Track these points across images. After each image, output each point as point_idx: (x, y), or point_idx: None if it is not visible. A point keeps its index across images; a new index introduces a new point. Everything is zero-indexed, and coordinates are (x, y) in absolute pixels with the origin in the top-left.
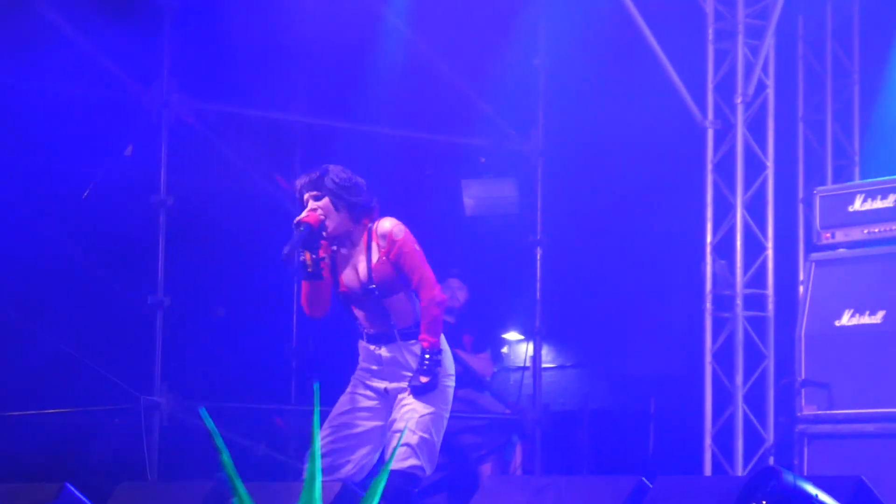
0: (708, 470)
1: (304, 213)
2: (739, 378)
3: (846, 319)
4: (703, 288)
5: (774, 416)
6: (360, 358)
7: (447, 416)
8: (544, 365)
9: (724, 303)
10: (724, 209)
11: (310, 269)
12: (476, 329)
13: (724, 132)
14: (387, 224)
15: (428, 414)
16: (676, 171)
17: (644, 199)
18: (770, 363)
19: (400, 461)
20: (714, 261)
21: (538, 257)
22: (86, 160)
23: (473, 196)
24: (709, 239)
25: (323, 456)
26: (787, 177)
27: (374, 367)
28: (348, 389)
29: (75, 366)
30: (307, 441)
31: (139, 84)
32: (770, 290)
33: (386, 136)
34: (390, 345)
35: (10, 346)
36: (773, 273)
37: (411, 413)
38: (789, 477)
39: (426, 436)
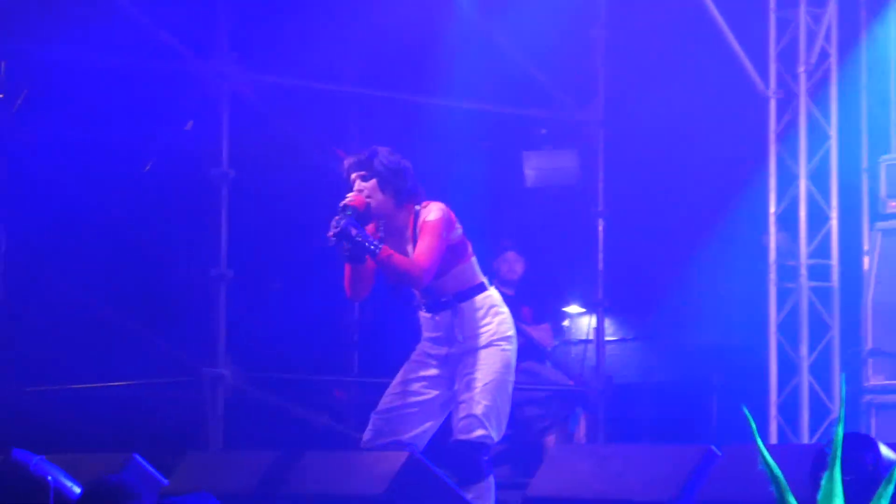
0: (774, 442)
1: (350, 196)
2: (804, 349)
3: None
4: (767, 258)
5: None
6: (422, 328)
7: (511, 380)
8: (606, 337)
9: (788, 273)
10: (787, 179)
11: (352, 253)
12: (535, 301)
13: (787, 102)
14: (431, 208)
15: (491, 381)
16: (739, 142)
17: (706, 169)
18: (835, 334)
19: (467, 432)
20: (778, 231)
21: (600, 229)
22: (146, 133)
23: (534, 167)
24: (772, 209)
25: (385, 421)
26: (851, 146)
27: (434, 335)
28: (411, 358)
29: (139, 339)
30: (367, 412)
31: (198, 57)
32: (835, 261)
33: (445, 108)
34: (447, 310)
35: (75, 320)
36: (837, 243)
37: (474, 383)
38: (885, 449)
39: (490, 403)
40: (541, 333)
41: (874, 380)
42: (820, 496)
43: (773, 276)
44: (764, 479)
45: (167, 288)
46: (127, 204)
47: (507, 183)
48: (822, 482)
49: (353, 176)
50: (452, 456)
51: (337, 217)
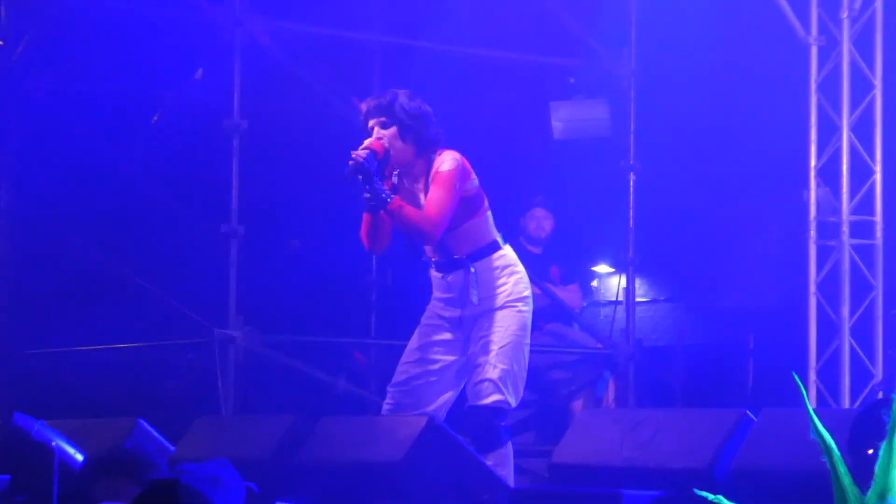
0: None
1: (368, 141)
2: (846, 310)
3: None
4: (807, 215)
5: (883, 350)
6: (433, 288)
7: (528, 342)
8: (637, 299)
9: (828, 231)
10: (828, 131)
11: (371, 201)
12: (564, 260)
13: (829, 49)
14: (445, 157)
15: (507, 344)
16: (778, 92)
17: (744, 121)
18: (879, 294)
19: (483, 397)
20: (818, 186)
21: (631, 183)
22: (156, 82)
23: (562, 119)
24: (812, 163)
25: (404, 394)
26: None
27: (447, 296)
28: (422, 322)
29: (146, 299)
30: (387, 375)
31: (211, 3)
32: (878, 217)
33: (468, 55)
34: (459, 270)
35: (79, 277)
36: (881, 198)
37: (489, 346)
38: None
39: (507, 367)
40: (569, 294)
41: None
42: (878, 467)
43: (812, 233)
44: (801, 444)
45: (176, 245)
46: (134, 156)
47: (534, 135)
48: (881, 452)
49: (372, 123)
50: (469, 422)
51: (355, 153)
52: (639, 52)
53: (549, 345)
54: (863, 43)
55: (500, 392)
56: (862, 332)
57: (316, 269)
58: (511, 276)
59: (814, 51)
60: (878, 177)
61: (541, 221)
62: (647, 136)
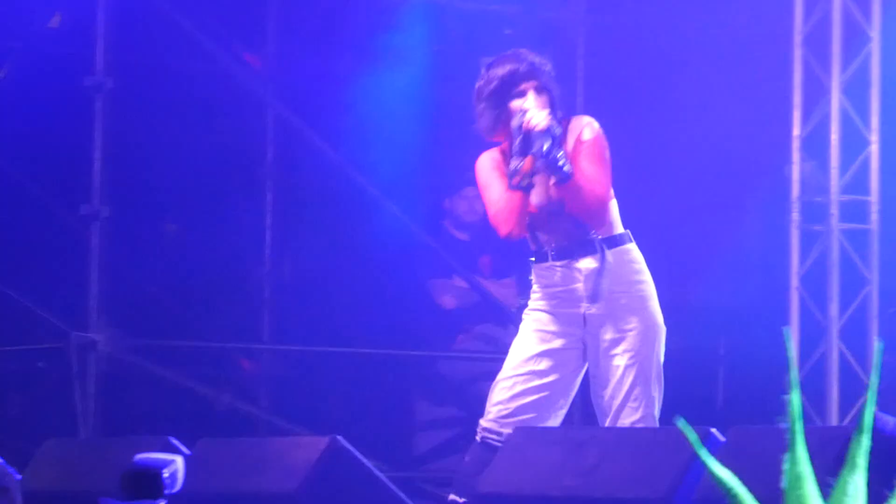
0: None
1: (536, 113)
2: (834, 308)
3: None
4: (789, 194)
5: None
6: (540, 286)
7: (661, 337)
8: None
9: (815, 213)
10: (816, 93)
11: (548, 170)
12: (497, 249)
13: None
14: (586, 122)
15: (642, 371)
16: (756, 47)
17: (714, 81)
18: (873, 288)
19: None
20: (803, 160)
21: None
22: (1, 32)
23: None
24: (796, 132)
25: (511, 412)
26: None
27: (567, 288)
28: (525, 328)
29: None
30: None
31: None
32: (874, 197)
33: (380, 2)
34: (591, 256)
35: None
36: (878, 175)
37: (622, 376)
38: (889, 422)
39: (646, 400)
40: (503, 290)
41: None
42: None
43: (795, 216)
44: (777, 468)
45: (24, 230)
46: None
47: (462, 96)
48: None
49: (526, 87)
50: None
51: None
52: None
53: (481, 350)
54: None
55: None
56: (853, 335)
57: (196, 259)
58: (647, 277)
59: None
60: (874, 148)
61: (472, 203)
62: (597, 98)
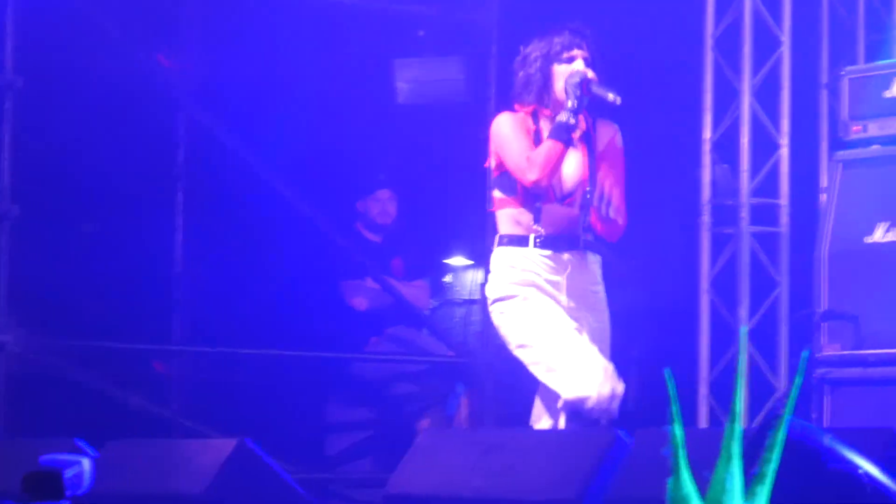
0: (703, 426)
1: (580, 67)
2: (744, 311)
3: (879, 235)
4: (699, 197)
5: (788, 359)
6: (524, 268)
7: None
8: None
9: (725, 215)
10: (727, 97)
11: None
12: (409, 251)
13: None
14: (618, 131)
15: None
16: (667, 49)
17: (625, 84)
18: (783, 291)
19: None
20: (714, 163)
21: None
22: None
23: (409, 79)
24: (707, 134)
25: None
26: (808, 55)
27: (556, 279)
28: (537, 301)
29: None
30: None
31: None
32: (784, 200)
33: (295, 2)
34: (574, 251)
35: None
36: (788, 178)
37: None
38: (798, 427)
39: None
40: (415, 292)
41: (829, 349)
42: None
43: (706, 218)
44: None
45: None
46: None
47: (375, 99)
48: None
49: (579, 54)
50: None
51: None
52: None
53: (392, 353)
54: None
55: None
56: (763, 338)
57: (107, 260)
58: None
59: (710, 0)
60: (784, 152)
61: (385, 205)
62: (510, 102)
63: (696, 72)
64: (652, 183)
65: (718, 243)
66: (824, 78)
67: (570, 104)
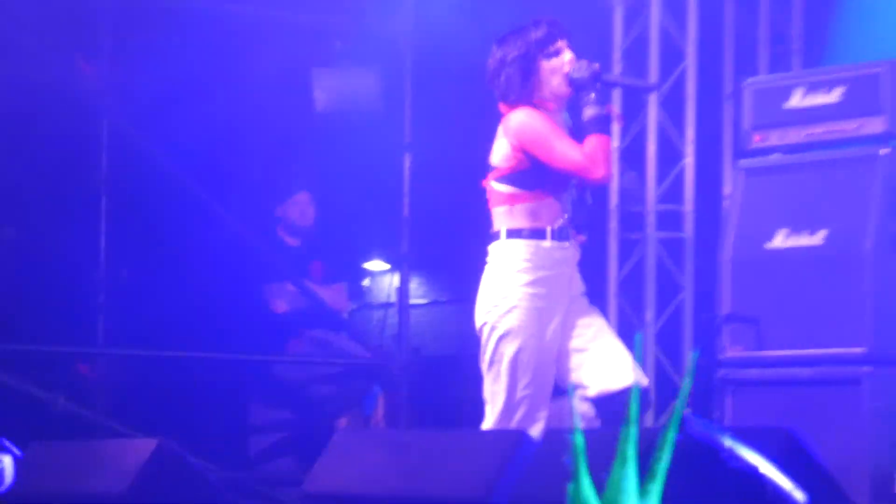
0: None
1: (585, 60)
2: (650, 314)
3: (780, 241)
4: (607, 204)
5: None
6: (538, 266)
7: None
8: (414, 300)
9: (632, 221)
10: (633, 106)
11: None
12: (328, 255)
13: (636, 12)
14: None
15: None
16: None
17: None
18: (688, 295)
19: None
20: (622, 170)
21: (406, 166)
22: None
23: (326, 89)
24: (615, 143)
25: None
26: (712, 66)
27: (567, 271)
28: (540, 320)
29: None
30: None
31: None
32: (689, 206)
33: (216, 11)
34: (571, 241)
35: None
36: (693, 185)
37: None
38: (698, 426)
39: None
40: (334, 295)
41: (732, 351)
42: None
43: (614, 224)
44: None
45: None
46: None
47: (294, 108)
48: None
49: (562, 44)
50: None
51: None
52: (417, 11)
53: (311, 354)
54: (673, 4)
55: None
56: (668, 339)
57: (31, 264)
58: None
59: (617, 14)
60: (689, 160)
61: (304, 207)
62: (425, 110)
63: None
64: None
65: (626, 248)
66: (728, 89)
67: (591, 96)
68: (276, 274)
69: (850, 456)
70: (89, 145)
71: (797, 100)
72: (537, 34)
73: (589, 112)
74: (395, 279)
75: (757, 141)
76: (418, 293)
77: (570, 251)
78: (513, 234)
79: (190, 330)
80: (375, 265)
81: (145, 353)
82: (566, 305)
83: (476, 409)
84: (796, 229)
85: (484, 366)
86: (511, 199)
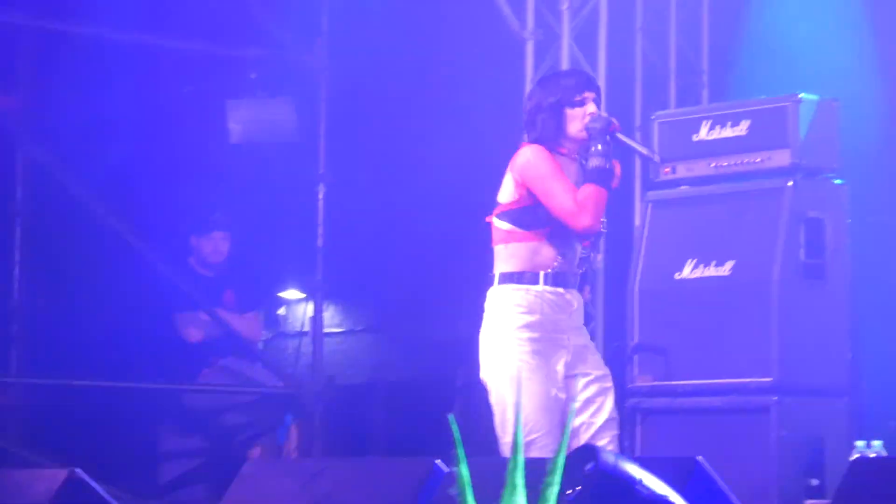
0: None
1: (607, 115)
2: None
3: (688, 271)
4: None
5: None
6: (531, 310)
7: None
8: (329, 329)
9: None
10: None
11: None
12: (244, 284)
13: (547, 44)
14: None
15: None
16: (489, 93)
17: (450, 125)
18: (599, 324)
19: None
20: None
21: (320, 196)
22: None
23: (241, 120)
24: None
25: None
26: (622, 98)
27: (563, 317)
28: (540, 363)
29: None
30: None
31: None
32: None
33: (131, 43)
34: (573, 288)
35: None
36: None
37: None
38: (609, 457)
39: None
40: (246, 324)
41: (641, 380)
42: None
43: None
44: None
45: None
46: None
47: (208, 138)
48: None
49: (589, 96)
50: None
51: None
52: (332, 43)
53: (223, 384)
54: (585, 38)
55: None
56: None
57: None
58: None
59: (529, 46)
60: None
61: (218, 244)
62: (340, 141)
63: (516, 114)
64: (475, 222)
65: None
66: (637, 121)
67: (598, 147)
68: (189, 303)
69: (758, 485)
70: (3, 176)
71: (704, 132)
72: (568, 82)
73: (593, 162)
74: (310, 308)
75: (665, 173)
76: (333, 322)
77: (566, 297)
78: (505, 278)
79: (102, 359)
80: (291, 294)
81: (58, 382)
82: (570, 350)
83: (394, 437)
84: (704, 260)
85: (496, 419)
86: (508, 237)
